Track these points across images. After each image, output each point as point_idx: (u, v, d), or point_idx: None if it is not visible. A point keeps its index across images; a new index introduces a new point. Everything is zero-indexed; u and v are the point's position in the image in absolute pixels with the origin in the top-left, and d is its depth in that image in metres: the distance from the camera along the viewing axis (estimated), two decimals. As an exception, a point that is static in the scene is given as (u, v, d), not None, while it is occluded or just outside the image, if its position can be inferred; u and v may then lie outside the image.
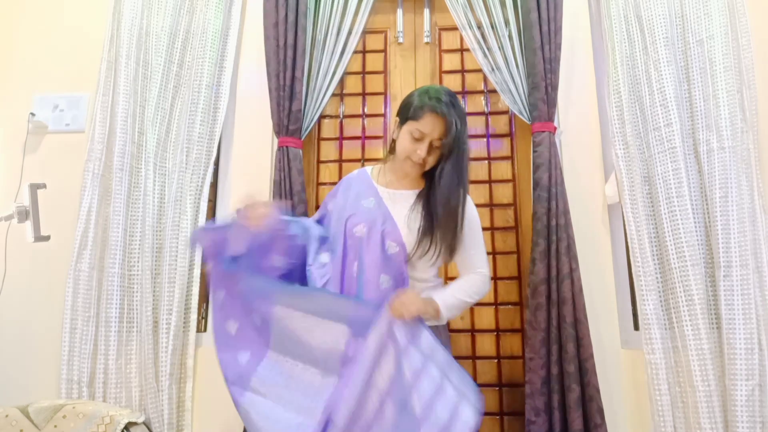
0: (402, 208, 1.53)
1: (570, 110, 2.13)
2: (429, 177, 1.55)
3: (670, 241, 1.80)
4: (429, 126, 1.45)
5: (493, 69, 2.11)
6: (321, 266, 1.51)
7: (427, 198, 1.51)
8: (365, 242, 1.48)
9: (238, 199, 1.90)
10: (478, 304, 2.09)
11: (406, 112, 1.52)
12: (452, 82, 2.29)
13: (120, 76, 2.08)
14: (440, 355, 1.35)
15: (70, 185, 2.10)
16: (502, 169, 2.21)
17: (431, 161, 1.50)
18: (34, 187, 1.90)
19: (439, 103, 1.45)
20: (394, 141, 1.57)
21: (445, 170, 1.47)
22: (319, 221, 1.65)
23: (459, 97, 2.26)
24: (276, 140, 2.13)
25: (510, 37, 2.12)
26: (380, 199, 1.55)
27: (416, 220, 1.50)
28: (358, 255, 1.48)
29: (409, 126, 1.48)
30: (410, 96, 1.55)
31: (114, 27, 2.15)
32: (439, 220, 1.47)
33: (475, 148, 2.23)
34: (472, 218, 1.56)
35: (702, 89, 1.91)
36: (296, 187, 2.05)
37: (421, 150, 1.46)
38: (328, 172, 2.27)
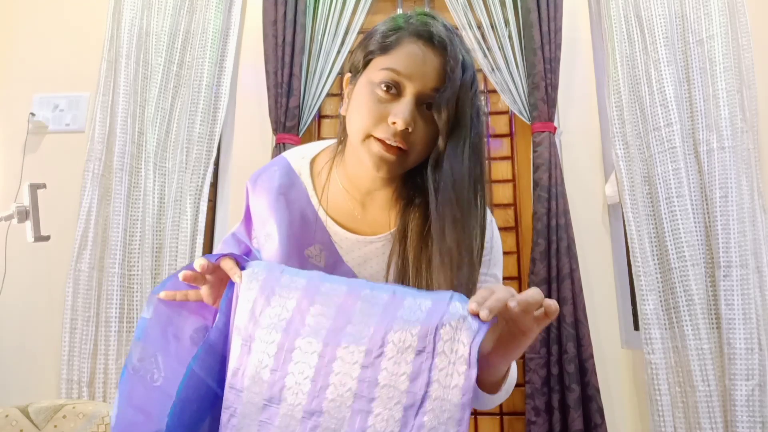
0: (377, 270, 0.85)
1: (570, 110, 2.13)
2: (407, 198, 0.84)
3: (670, 241, 1.80)
4: (413, 62, 0.75)
5: (493, 69, 2.11)
6: None
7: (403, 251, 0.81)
8: None
9: (239, 199, 1.88)
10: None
11: (368, 47, 0.80)
12: (452, 82, 2.29)
13: (120, 76, 2.07)
14: None
15: (70, 185, 2.09)
16: (502, 169, 2.21)
17: (419, 142, 0.76)
18: (34, 187, 1.89)
19: (433, 21, 0.77)
20: (344, 129, 0.84)
21: (449, 159, 0.76)
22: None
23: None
24: (275, 139, 2.13)
25: (510, 37, 2.12)
26: (338, 258, 0.84)
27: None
28: None
29: (373, 69, 0.78)
30: (371, 30, 0.83)
31: (114, 27, 2.14)
32: (440, 258, 0.76)
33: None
34: (495, 251, 0.88)
35: (702, 89, 1.90)
36: (296, 186, 2.05)
37: (400, 116, 0.73)
38: (328, 172, 2.27)
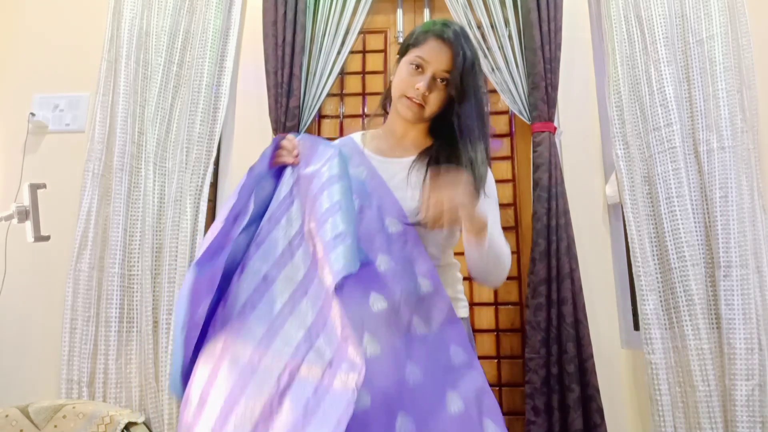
0: (401, 180, 1.23)
1: (570, 110, 2.13)
2: (434, 136, 1.30)
3: (670, 241, 1.80)
4: (432, 52, 1.20)
5: (493, 69, 2.11)
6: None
7: (435, 155, 1.24)
8: (358, 219, 1.14)
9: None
10: (478, 303, 2.09)
11: (407, 41, 1.27)
12: (452, 82, 2.29)
13: (120, 76, 2.07)
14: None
15: (70, 185, 2.10)
16: (502, 169, 2.21)
17: (433, 103, 1.21)
18: (34, 187, 1.89)
19: (447, 28, 1.20)
20: (389, 92, 1.31)
21: (462, 114, 1.21)
22: None
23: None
24: (276, 140, 2.14)
25: (510, 37, 2.12)
26: (373, 169, 1.24)
27: (419, 175, 1.22)
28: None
29: (409, 56, 1.23)
30: (412, 31, 1.30)
31: (114, 27, 2.15)
32: (465, 160, 1.19)
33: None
34: (492, 185, 1.28)
35: (702, 89, 1.90)
36: (295, 185, 2.05)
37: (421, 83, 1.19)
38: (328, 172, 2.27)
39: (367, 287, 1.04)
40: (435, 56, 1.19)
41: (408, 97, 1.21)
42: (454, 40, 1.19)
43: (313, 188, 1.13)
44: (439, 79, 1.20)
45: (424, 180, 1.20)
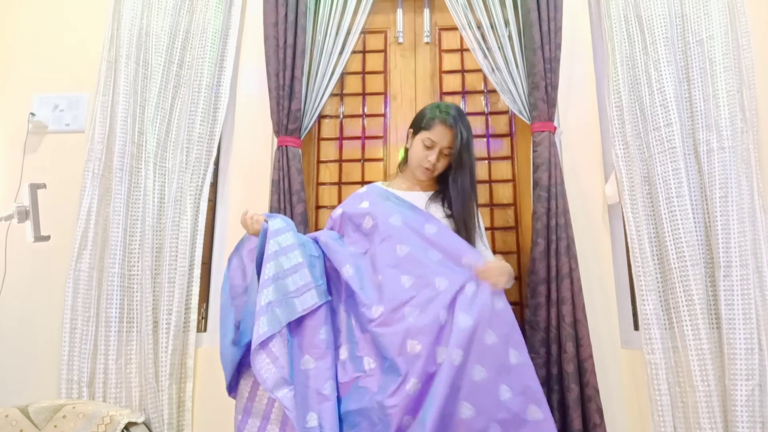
0: (420, 204, 1.72)
1: (570, 110, 2.13)
2: (440, 181, 1.76)
3: (670, 241, 1.80)
4: (439, 135, 1.67)
5: (493, 69, 2.11)
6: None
7: (443, 197, 1.72)
8: (402, 230, 1.63)
9: (239, 199, 1.97)
10: (478, 304, 2.09)
11: (419, 123, 1.73)
12: (452, 82, 2.29)
13: (120, 76, 2.08)
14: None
15: (70, 185, 2.10)
16: (502, 169, 2.21)
17: (440, 167, 1.72)
18: (34, 187, 1.90)
19: (448, 116, 1.66)
20: (407, 150, 1.79)
21: (458, 181, 1.68)
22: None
23: (459, 97, 2.28)
24: (276, 140, 2.13)
25: (510, 37, 2.12)
26: (399, 199, 1.73)
27: (438, 211, 1.70)
28: (403, 240, 1.61)
29: (422, 135, 1.70)
30: (423, 109, 1.75)
31: (114, 27, 2.15)
32: (458, 217, 1.67)
33: (475, 147, 2.23)
34: (482, 224, 1.79)
35: (702, 89, 1.90)
36: (295, 186, 2.05)
37: (432, 157, 1.68)
38: (328, 172, 2.27)
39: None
40: (441, 138, 1.67)
41: (423, 166, 1.70)
42: (454, 124, 1.64)
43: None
44: (443, 153, 1.69)
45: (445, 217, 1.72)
